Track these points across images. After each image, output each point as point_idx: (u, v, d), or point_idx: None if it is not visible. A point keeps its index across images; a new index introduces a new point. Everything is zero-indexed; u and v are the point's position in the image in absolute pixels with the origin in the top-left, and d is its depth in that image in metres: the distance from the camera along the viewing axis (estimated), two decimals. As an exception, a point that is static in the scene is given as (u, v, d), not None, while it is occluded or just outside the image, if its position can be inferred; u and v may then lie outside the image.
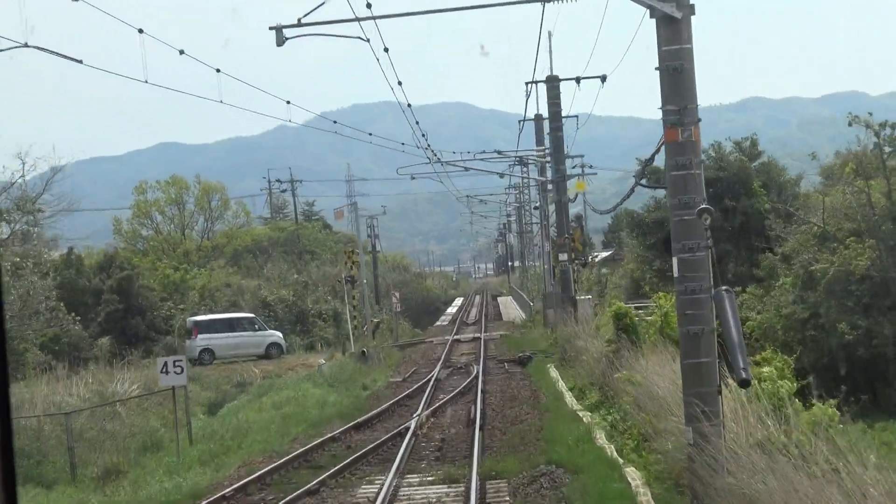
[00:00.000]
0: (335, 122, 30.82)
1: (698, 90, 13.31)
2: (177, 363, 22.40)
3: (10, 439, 2.64)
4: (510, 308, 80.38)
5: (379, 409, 25.91)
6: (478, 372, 32.40)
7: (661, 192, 43.09)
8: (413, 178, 43.56)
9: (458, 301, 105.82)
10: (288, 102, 25.34)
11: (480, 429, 21.82)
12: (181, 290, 55.29)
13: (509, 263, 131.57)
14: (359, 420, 24.18)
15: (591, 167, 60.45)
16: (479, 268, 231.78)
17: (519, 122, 47.77)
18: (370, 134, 31.36)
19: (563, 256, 39.00)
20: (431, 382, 31.17)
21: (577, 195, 40.84)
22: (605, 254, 79.33)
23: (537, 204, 53.26)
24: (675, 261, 13.28)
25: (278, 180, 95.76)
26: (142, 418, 31.45)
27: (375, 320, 48.81)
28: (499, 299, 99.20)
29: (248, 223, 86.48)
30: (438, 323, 71.38)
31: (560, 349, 34.07)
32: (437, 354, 41.59)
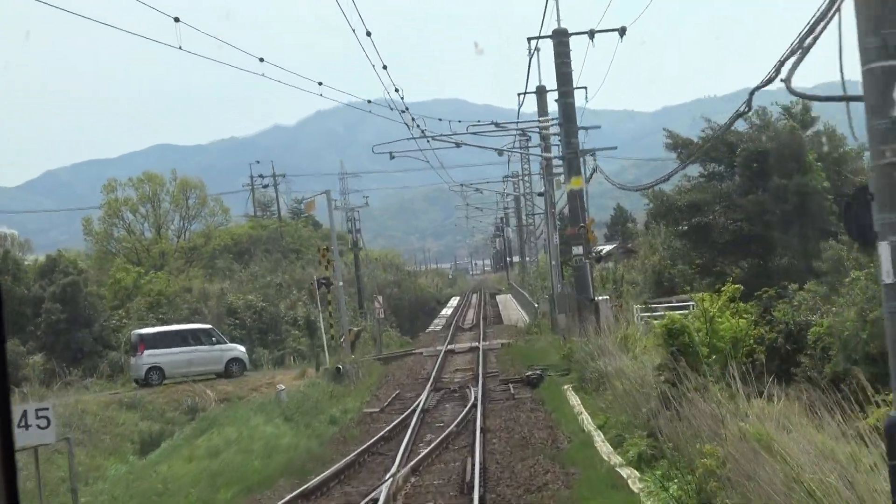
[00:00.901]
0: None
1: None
2: (41, 413, 15.44)
3: (11, 440, 2.58)
4: (511, 309, 73.41)
5: (342, 462, 18.97)
6: (476, 398, 25.52)
7: (693, 171, 36.15)
8: (393, 157, 36.68)
9: (454, 301, 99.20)
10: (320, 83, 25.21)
11: (481, 500, 15.00)
12: (135, 296, 48.31)
13: (508, 259, 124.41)
14: (310, 483, 17.25)
15: (592, 156, 53.37)
16: (476, 264, 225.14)
17: (518, 95, 40.67)
18: (320, 84, 25.02)
19: (578, 249, 32.05)
20: (416, 414, 24.28)
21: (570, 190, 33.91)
22: (608, 247, 72.83)
23: (541, 190, 46.19)
24: (883, 249, 6.42)
25: (260, 175, 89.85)
26: (49, 466, 24.62)
27: (355, 329, 41.75)
28: (497, 298, 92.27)
29: (227, 221, 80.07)
30: (430, 328, 64.17)
31: (578, 366, 27.20)
32: (427, 371, 34.67)
